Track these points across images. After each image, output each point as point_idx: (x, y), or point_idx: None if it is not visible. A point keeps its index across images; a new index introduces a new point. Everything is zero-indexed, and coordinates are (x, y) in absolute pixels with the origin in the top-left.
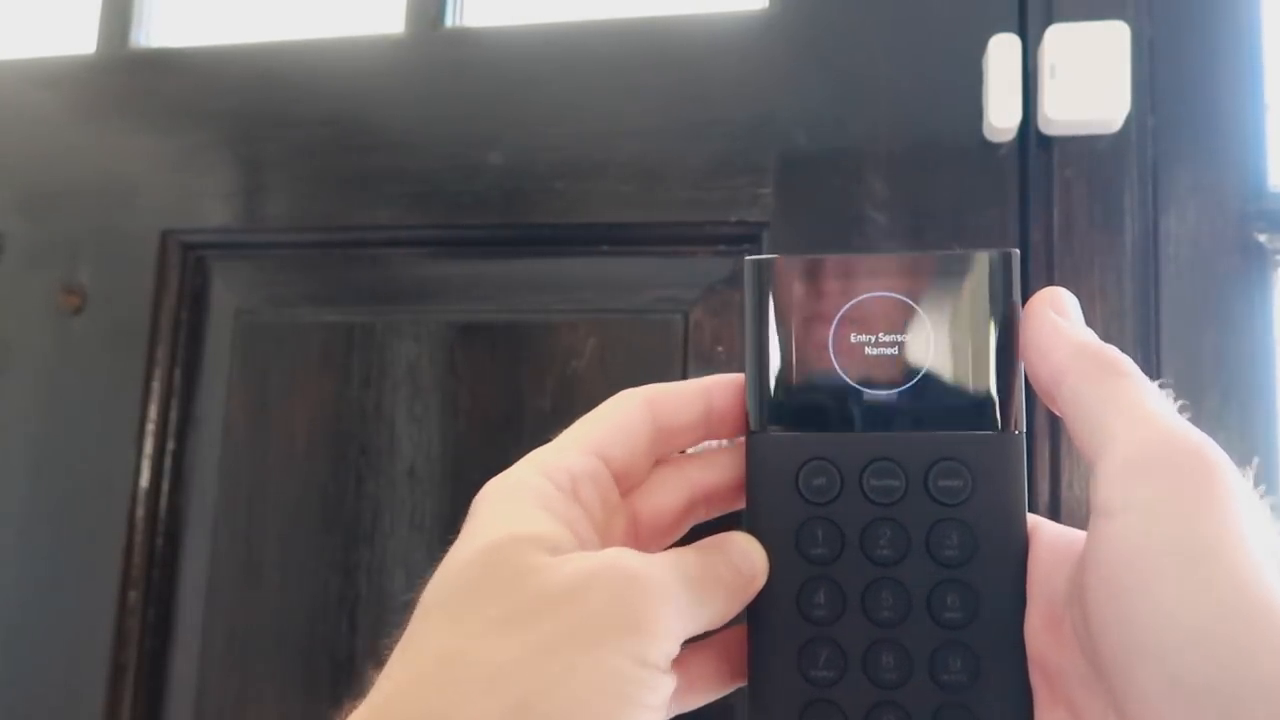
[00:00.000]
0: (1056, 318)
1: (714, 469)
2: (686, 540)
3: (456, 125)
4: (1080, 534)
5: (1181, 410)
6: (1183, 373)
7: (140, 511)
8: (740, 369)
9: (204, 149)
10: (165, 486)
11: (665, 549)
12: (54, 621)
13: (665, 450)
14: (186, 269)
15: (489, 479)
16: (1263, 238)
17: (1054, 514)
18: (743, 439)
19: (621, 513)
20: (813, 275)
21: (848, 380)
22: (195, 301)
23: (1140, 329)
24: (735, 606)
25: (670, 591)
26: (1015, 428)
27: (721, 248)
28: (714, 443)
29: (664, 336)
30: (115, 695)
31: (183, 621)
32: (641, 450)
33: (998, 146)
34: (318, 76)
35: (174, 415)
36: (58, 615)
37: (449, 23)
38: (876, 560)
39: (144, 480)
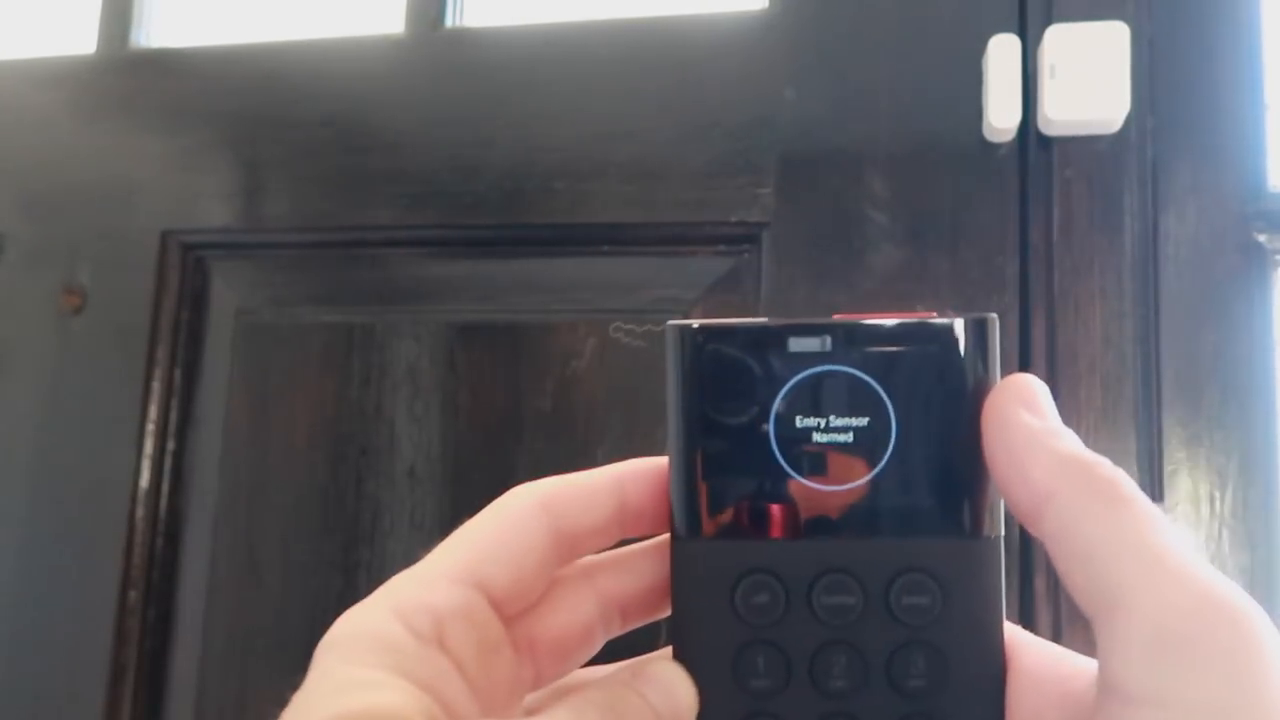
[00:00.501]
0: (1030, 419)
1: (629, 574)
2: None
3: (456, 125)
4: (1069, 660)
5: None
6: (1183, 373)
7: (140, 511)
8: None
9: (204, 149)
10: (165, 486)
11: (578, 667)
12: (54, 621)
13: (569, 559)
14: (186, 269)
15: (489, 479)
16: (1263, 238)
17: (1054, 609)
18: (665, 538)
19: (505, 649)
20: (749, 345)
21: (792, 474)
22: (195, 301)
23: (1140, 329)
24: None
25: None
26: (992, 531)
27: (721, 248)
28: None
29: (663, 337)
30: (115, 695)
31: (183, 621)
32: (534, 565)
33: (998, 147)
34: (318, 77)
35: (174, 415)
36: (58, 615)
37: (449, 23)
38: (829, 693)
39: (144, 480)
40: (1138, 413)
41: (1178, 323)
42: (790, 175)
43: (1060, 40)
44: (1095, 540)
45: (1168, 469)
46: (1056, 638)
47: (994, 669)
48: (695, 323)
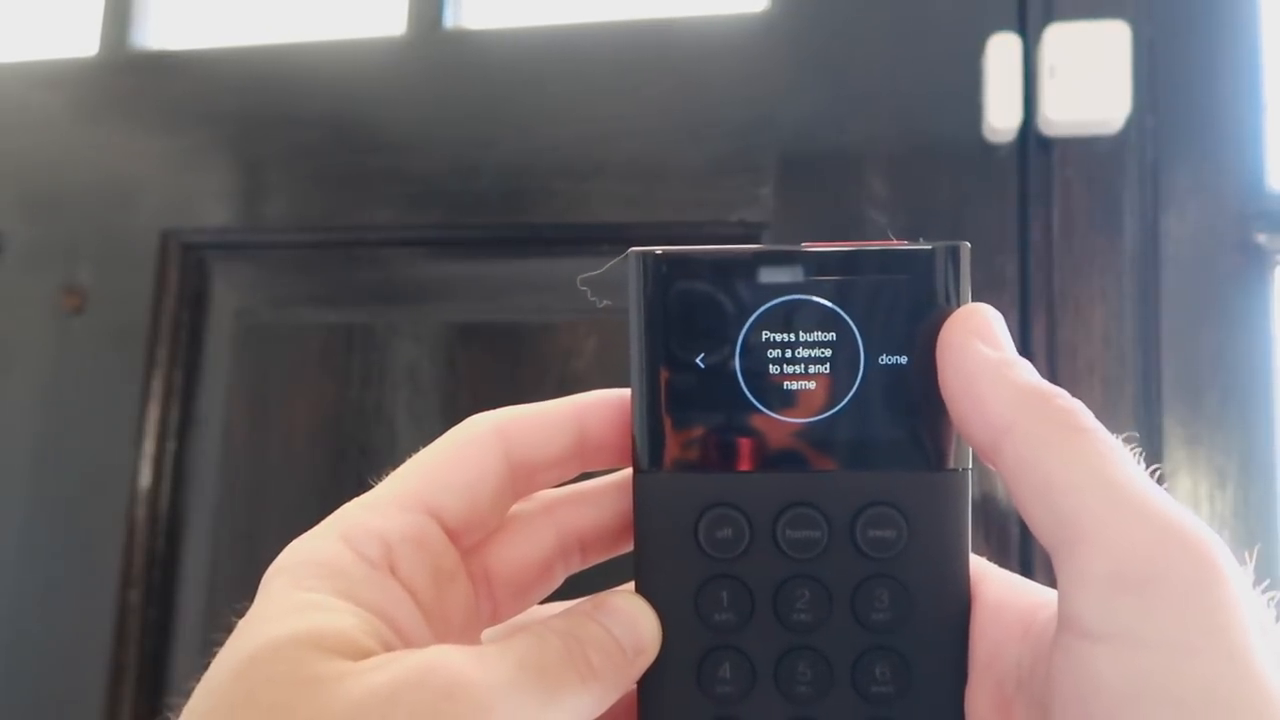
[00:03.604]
0: (985, 350)
1: (589, 508)
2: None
3: (456, 126)
4: (1033, 592)
5: (1151, 470)
6: (1183, 373)
7: (140, 511)
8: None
9: (204, 149)
10: (165, 486)
11: (536, 603)
12: (54, 621)
13: (525, 491)
14: (186, 269)
15: None
16: (1263, 238)
17: (1024, 539)
18: (627, 473)
19: (461, 579)
20: (715, 274)
21: (757, 406)
22: (195, 301)
23: (1140, 329)
24: (614, 692)
25: (511, 700)
26: (958, 464)
27: None
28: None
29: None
30: (115, 695)
31: (183, 621)
32: (489, 494)
33: (997, 147)
34: (318, 77)
35: (174, 415)
36: (58, 615)
37: (449, 24)
38: (792, 626)
39: (144, 480)
40: (1138, 413)
41: (1178, 323)
42: (790, 175)
43: (1060, 40)
44: (1054, 472)
45: (1167, 469)
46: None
47: (958, 602)
48: (658, 249)
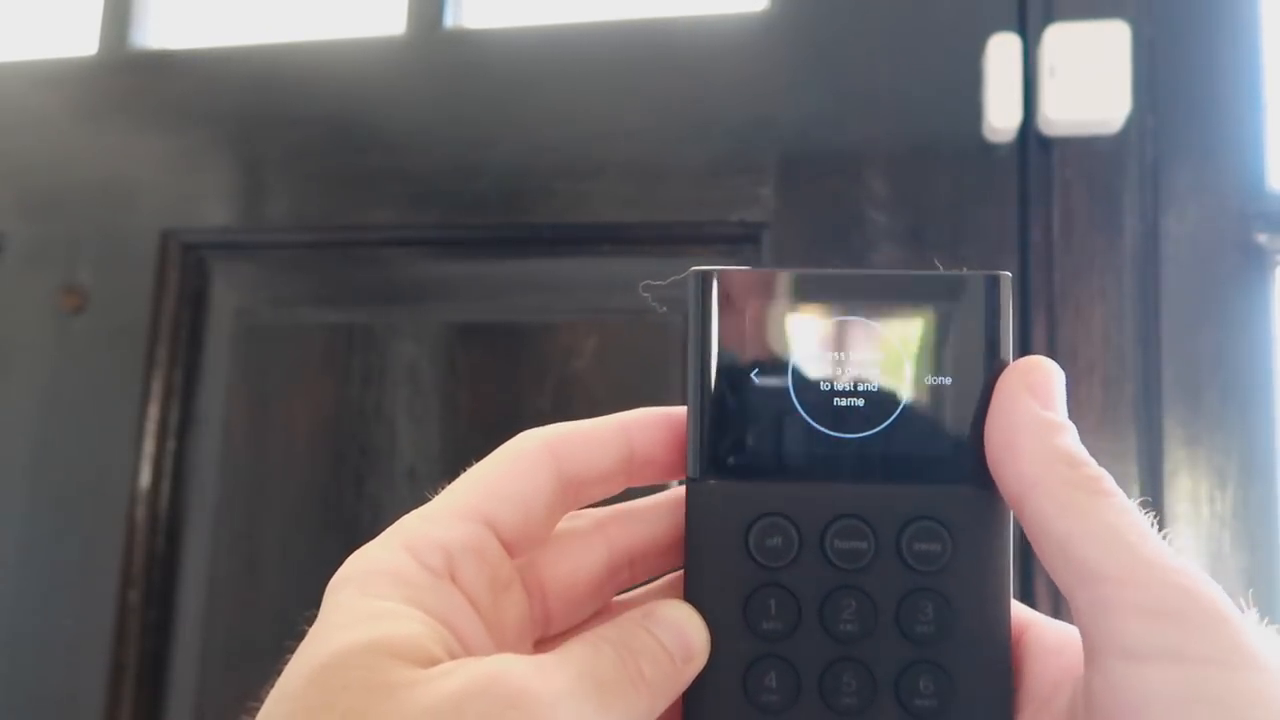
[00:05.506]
0: (1035, 407)
1: (639, 525)
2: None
3: (456, 126)
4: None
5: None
6: (1183, 373)
7: (140, 511)
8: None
9: (204, 149)
10: (165, 486)
11: (587, 618)
12: (54, 621)
13: (575, 505)
14: (186, 269)
15: None
16: (1263, 238)
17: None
18: (677, 492)
19: (516, 589)
20: (770, 294)
21: (809, 421)
22: (195, 301)
23: (1140, 329)
24: (664, 700)
25: (570, 709)
26: None
27: (721, 248)
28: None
29: (664, 336)
30: (115, 695)
31: (183, 621)
32: (541, 508)
33: (997, 147)
34: (318, 77)
35: (174, 415)
36: (58, 615)
37: (449, 24)
38: (838, 637)
39: (144, 480)
40: (1138, 413)
41: (1178, 323)
42: (790, 175)
43: (1060, 40)
44: (1073, 528)
45: (1168, 469)
46: (1055, 607)
47: (1000, 617)
48: (716, 268)
